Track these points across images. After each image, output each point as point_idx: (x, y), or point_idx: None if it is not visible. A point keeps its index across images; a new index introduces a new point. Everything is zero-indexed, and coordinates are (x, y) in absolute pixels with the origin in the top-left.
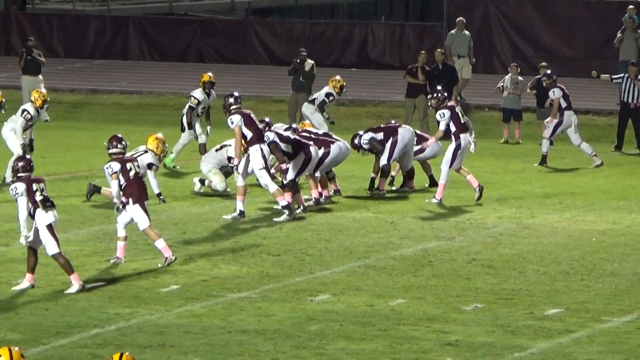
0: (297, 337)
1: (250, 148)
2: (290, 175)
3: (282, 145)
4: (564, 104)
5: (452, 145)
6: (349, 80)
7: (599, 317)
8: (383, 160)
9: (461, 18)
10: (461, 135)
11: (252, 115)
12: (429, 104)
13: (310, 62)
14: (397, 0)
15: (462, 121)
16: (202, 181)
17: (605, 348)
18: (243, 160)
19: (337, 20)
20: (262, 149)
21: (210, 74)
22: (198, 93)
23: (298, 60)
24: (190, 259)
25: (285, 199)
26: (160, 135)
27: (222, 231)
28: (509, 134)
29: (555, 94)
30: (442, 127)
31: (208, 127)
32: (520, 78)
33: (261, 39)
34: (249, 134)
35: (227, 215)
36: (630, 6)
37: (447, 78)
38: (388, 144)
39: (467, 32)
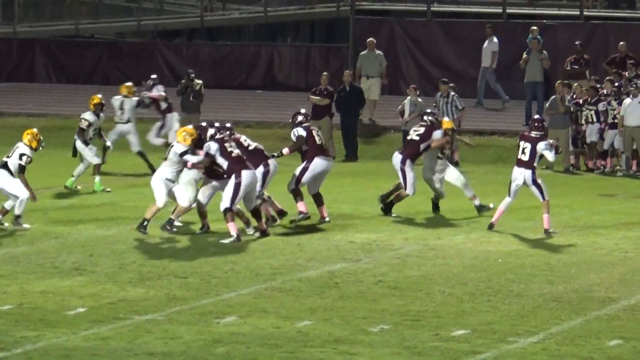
0: (203, 359)
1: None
2: (225, 204)
3: (221, 160)
4: None
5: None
6: (256, 102)
7: (506, 338)
8: (290, 186)
9: (371, 39)
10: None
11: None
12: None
13: (198, 81)
14: (303, 22)
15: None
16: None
17: None
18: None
19: (243, 42)
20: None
21: (99, 95)
22: (88, 115)
23: (188, 78)
24: (96, 281)
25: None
26: (35, 129)
27: (129, 254)
28: None
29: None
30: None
31: (108, 143)
32: (419, 100)
33: (167, 61)
34: (224, 164)
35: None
36: (533, 27)
37: (354, 99)
38: (299, 168)
39: (379, 52)
